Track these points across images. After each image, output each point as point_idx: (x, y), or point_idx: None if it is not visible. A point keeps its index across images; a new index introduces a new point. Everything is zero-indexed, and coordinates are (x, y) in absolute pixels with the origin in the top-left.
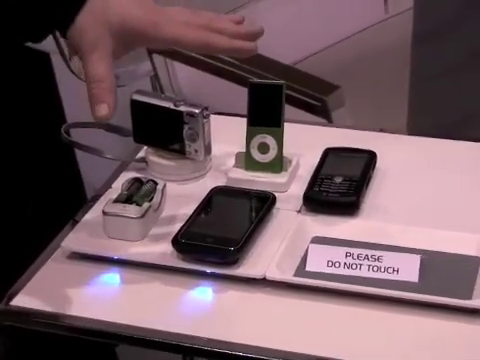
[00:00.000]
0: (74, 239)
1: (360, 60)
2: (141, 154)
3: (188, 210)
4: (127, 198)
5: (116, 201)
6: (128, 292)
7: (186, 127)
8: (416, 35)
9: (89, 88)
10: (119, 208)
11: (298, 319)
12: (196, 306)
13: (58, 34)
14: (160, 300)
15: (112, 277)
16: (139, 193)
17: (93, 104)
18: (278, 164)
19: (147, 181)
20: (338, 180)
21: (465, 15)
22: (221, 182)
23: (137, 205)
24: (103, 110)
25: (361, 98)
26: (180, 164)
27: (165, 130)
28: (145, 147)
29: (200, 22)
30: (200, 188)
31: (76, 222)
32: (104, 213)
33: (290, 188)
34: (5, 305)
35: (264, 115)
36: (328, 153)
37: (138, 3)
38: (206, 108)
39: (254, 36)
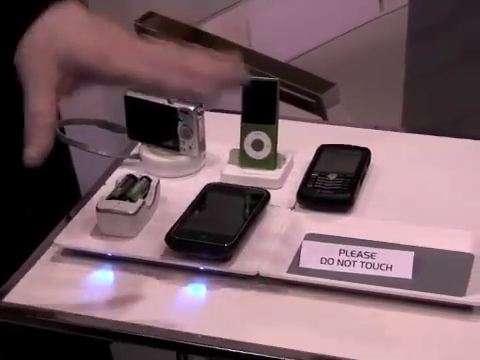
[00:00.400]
0: (68, 236)
1: (355, 57)
2: (135, 151)
3: (182, 207)
4: (121, 195)
5: (110, 198)
6: (122, 289)
7: (180, 124)
8: (411, 33)
9: (25, 123)
10: (113, 205)
11: (291, 316)
12: (190, 303)
13: None
14: (154, 297)
15: (106, 274)
16: (133, 190)
17: (26, 142)
18: (272, 161)
19: (141, 178)
20: (332, 177)
21: (460, 13)
22: (215, 179)
23: (131, 202)
24: (32, 151)
25: (356, 95)
26: (174, 161)
27: (159, 127)
28: (139, 144)
29: (167, 59)
30: (194, 185)
31: (70, 218)
32: (98, 210)
33: (284, 185)
34: None
35: (258, 112)
36: (322, 150)
37: (92, 33)
38: (200, 105)
39: (233, 81)
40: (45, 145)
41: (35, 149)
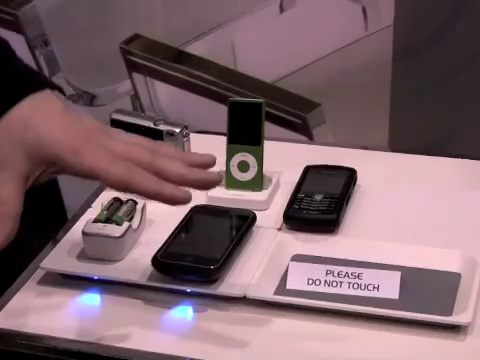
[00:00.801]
0: (54, 259)
1: (341, 77)
2: None
3: (168, 229)
4: (107, 218)
5: (96, 221)
6: (109, 312)
7: None
8: (396, 51)
9: None
10: (99, 228)
11: (279, 337)
12: (177, 325)
13: None
14: (141, 320)
15: (93, 297)
16: (119, 213)
17: None
18: (258, 182)
19: (127, 200)
20: (318, 198)
21: (444, 31)
22: (201, 201)
23: (117, 225)
24: None
25: (342, 115)
26: None
27: None
28: None
29: (139, 158)
30: (180, 207)
31: (56, 242)
32: (84, 233)
33: (270, 206)
34: None
35: (244, 133)
36: (308, 170)
37: (64, 125)
38: (186, 127)
39: (204, 185)
40: (7, 233)
41: None
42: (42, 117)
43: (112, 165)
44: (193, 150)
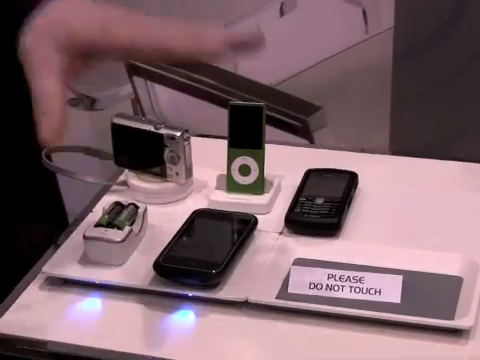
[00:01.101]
0: (55, 264)
1: (341, 80)
2: (122, 177)
3: (170, 233)
4: (108, 222)
5: (97, 225)
6: (110, 317)
7: (167, 150)
8: (398, 53)
9: (34, 108)
10: (100, 232)
11: (280, 342)
12: (178, 330)
13: None
14: (142, 324)
15: (94, 302)
16: (120, 217)
17: (37, 125)
18: (260, 186)
19: (128, 205)
20: (319, 201)
21: (448, 31)
22: (203, 205)
23: (118, 229)
24: (44, 132)
25: (343, 118)
26: (161, 187)
27: (146, 153)
28: (126, 170)
29: (174, 25)
30: (182, 211)
31: (57, 247)
32: (85, 237)
33: (272, 210)
34: None
35: (245, 137)
36: (309, 174)
37: (93, 12)
38: (186, 130)
39: (249, 45)
40: (55, 127)
41: (46, 129)
42: (73, 12)
43: (147, 37)
44: (194, 154)
